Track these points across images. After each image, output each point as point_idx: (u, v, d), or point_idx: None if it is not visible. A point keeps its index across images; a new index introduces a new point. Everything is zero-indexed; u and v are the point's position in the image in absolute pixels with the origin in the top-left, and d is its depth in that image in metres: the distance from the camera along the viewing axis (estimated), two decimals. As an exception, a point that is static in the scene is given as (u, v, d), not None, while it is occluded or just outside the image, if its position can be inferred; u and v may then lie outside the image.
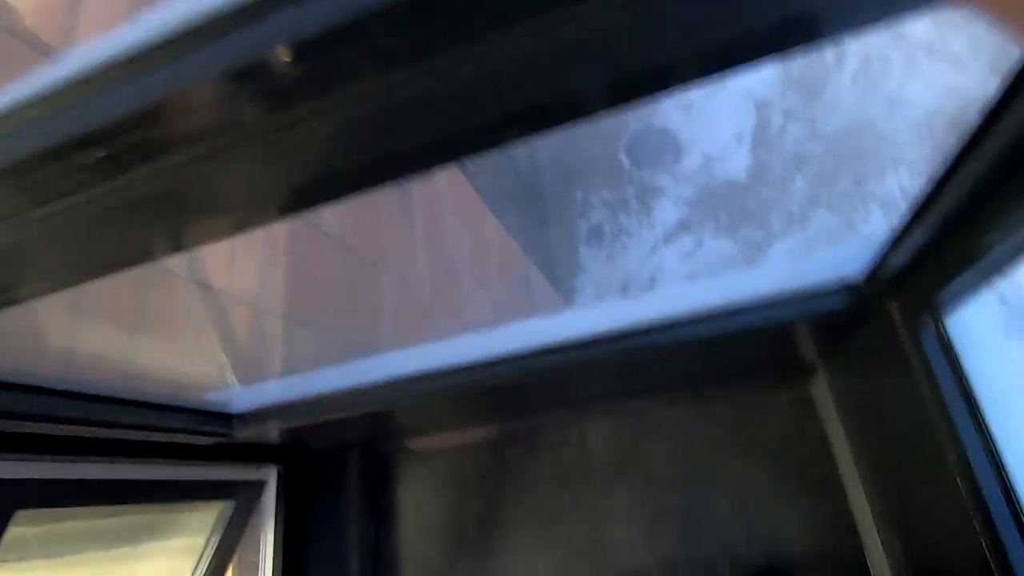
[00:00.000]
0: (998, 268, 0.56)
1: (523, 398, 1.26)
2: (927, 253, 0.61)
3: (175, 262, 1.21)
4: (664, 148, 5.16)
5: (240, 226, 0.37)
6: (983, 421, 0.67)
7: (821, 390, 1.26)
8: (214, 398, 1.08)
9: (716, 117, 5.08)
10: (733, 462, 1.29)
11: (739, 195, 4.81)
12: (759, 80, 5.13)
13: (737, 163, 4.92)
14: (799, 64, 5.26)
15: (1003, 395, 0.65)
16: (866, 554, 1.16)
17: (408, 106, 0.29)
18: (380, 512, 1.55)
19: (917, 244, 0.60)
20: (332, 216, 1.70)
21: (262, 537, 1.41)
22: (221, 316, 1.27)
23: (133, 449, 1.07)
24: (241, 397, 1.10)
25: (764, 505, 1.24)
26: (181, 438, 1.02)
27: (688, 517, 1.28)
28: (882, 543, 1.12)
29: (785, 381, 1.30)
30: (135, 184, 0.31)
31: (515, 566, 1.38)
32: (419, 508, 1.52)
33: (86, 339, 1.00)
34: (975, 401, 0.67)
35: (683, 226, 4.91)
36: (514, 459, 1.47)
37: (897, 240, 0.64)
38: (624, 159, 5.22)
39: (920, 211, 0.56)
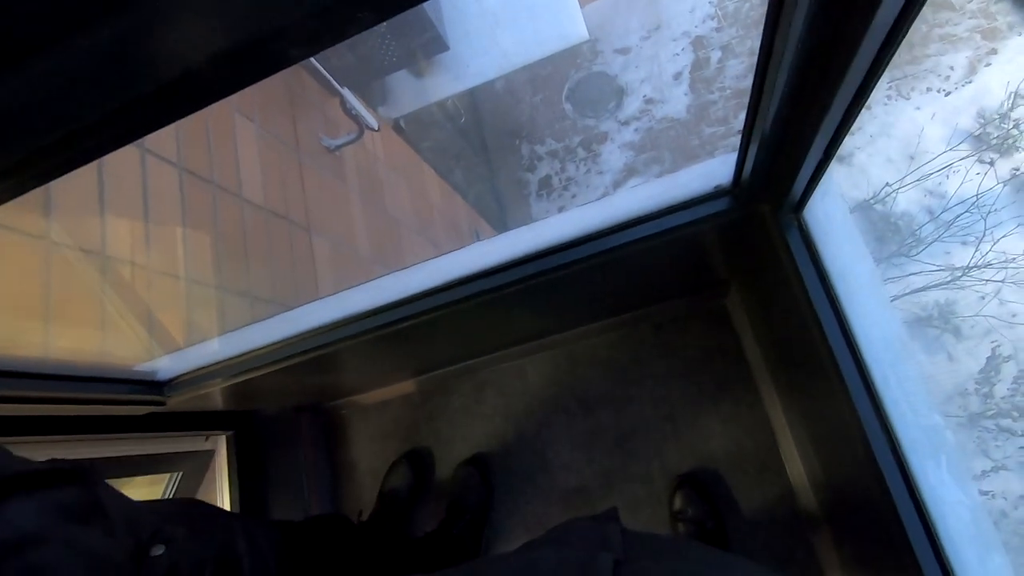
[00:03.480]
0: (826, 157, 0.62)
1: (460, 336, 1.30)
2: (770, 153, 0.66)
3: (88, 237, 1.19)
4: (606, 94, 5.15)
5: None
6: (838, 304, 0.73)
7: (735, 304, 1.34)
8: (142, 368, 1.09)
9: (653, 58, 5.08)
10: (659, 379, 1.37)
11: (682, 135, 4.87)
12: (692, 18, 5.12)
13: (677, 103, 4.95)
14: (733, -2, 5.26)
15: (852, 277, 0.71)
16: (779, 448, 1.27)
17: None
18: (336, 466, 1.60)
19: (758, 146, 0.65)
20: (252, 185, 1.67)
21: (218, 503, 1.45)
22: (141, 290, 1.26)
23: (71, 426, 1.08)
24: (170, 364, 1.11)
25: (689, 415, 1.34)
26: (110, 410, 1.03)
27: (622, 434, 1.37)
28: (792, 436, 1.23)
29: (702, 301, 1.38)
30: None
31: (468, 500, 1.45)
32: (374, 457, 1.57)
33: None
34: (831, 287, 0.74)
35: (630, 170, 4.96)
36: (460, 401, 1.52)
37: (744, 149, 0.69)
38: (567, 107, 5.20)
39: (753, 113, 0.60)
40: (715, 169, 0.81)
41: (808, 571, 1.19)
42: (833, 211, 0.71)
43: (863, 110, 0.54)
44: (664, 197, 0.84)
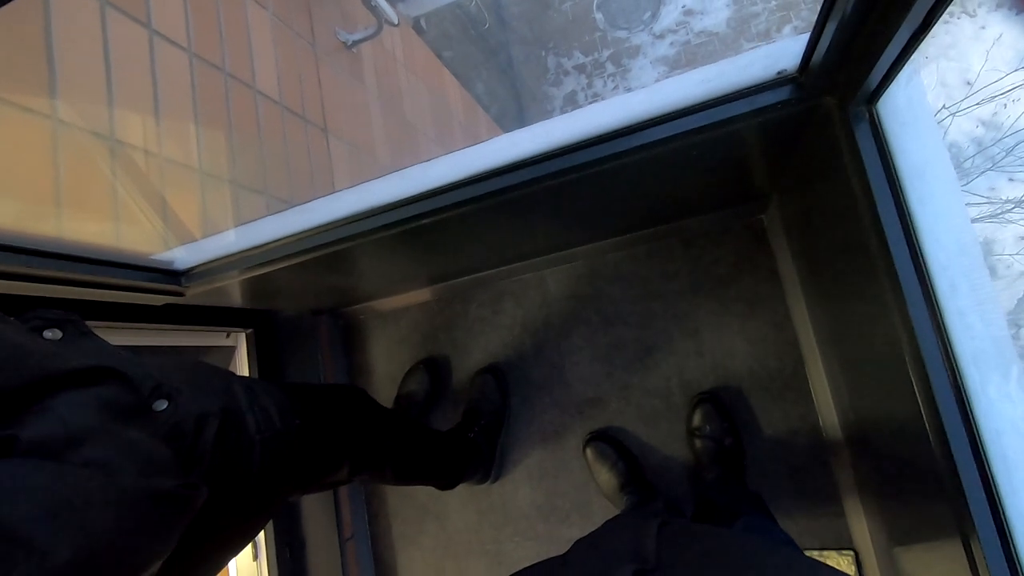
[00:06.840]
0: (923, 26, 0.53)
1: (478, 243, 1.25)
2: (850, 31, 0.57)
3: (96, 120, 1.13)
4: (641, 3, 4.78)
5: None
6: (905, 205, 0.66)
7: (773, 220, 1.27)
8: (159, 256, 1.07)
9: (697, -38, 4.66)
10: (685, 295, 1.33)
11: (720, 50, 4.55)
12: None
13: (718, 15, 4.59)
14: None
15: (929, 172, 0.64)
16: (806, 370, 1.24)
17: None
18: (353, 370, 1.61)
19: (837, 22, 0.56)
20: (266, 77, 1.58)
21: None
22: (155, 178, 1.22)
23: (95, 312, 1.07)
24: (187, 254, 1.08)
25: (713, 333, 1.30)
26: (129, 297, 1.02)
27: (643, 348, 1.34)
28: (820, 358, 1.19)
29: (738, 216, 1.30)
30: None
31: (484, 407, 1.46)
32: (391, 363, 1.58)
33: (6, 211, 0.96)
34: (899, 186, 0.67)
35: (661, 89, 4.69)
36: (478, 310, 1.50)
37: (820, 27, 0.59)
38: (598, 17, 4.85)
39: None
40: (780, 52, 0.72)
41: (822, 491, 1.20)
42: (917, 97, 0.62)
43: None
44: (719, 83, 0.75)
